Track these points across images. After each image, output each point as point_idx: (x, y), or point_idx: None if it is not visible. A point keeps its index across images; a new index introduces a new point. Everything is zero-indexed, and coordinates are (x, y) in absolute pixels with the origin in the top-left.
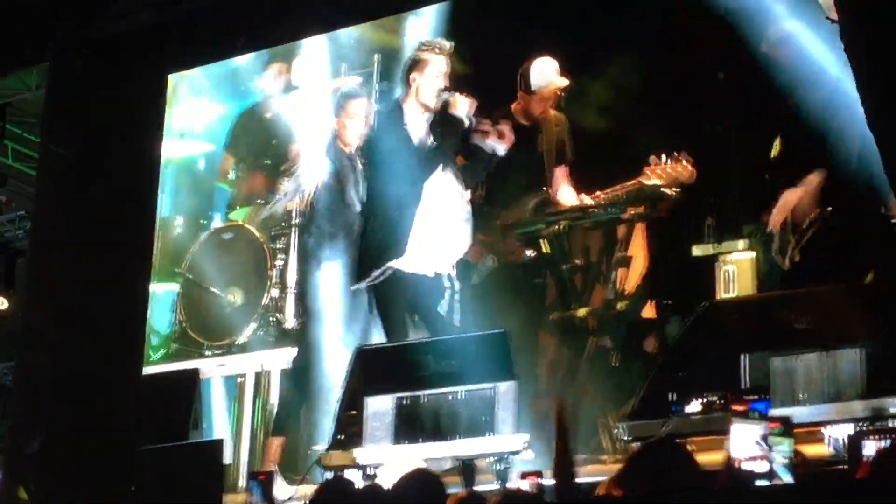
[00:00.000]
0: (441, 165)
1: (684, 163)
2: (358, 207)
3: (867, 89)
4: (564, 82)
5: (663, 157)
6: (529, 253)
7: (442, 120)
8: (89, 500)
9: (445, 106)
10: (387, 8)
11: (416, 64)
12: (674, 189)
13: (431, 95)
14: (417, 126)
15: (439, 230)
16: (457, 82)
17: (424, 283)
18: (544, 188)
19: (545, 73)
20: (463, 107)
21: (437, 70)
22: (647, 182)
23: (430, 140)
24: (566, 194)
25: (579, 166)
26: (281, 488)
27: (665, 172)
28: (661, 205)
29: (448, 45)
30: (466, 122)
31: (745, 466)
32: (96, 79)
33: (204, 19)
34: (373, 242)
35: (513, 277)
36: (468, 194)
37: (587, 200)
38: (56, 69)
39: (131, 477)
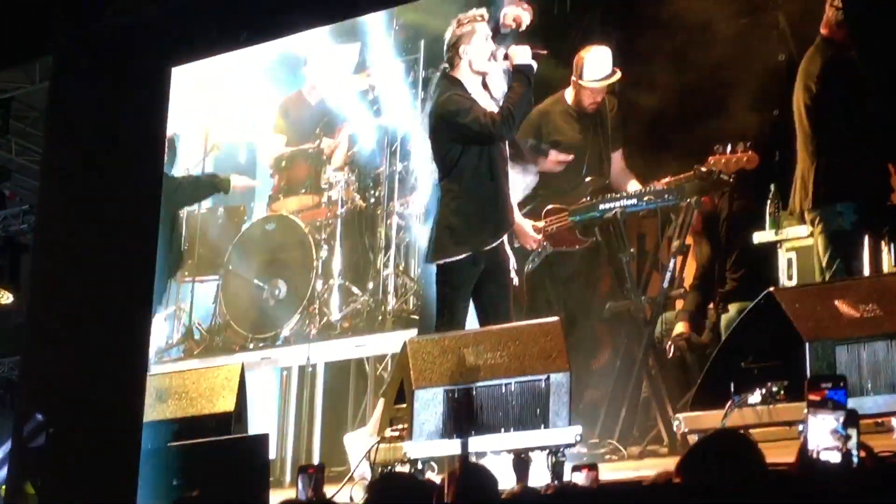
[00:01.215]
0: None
1: (749, 152)
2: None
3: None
4: (617, 75)
5: (729, 146)
6: (584, 240)
7: (512, 74)
8: (96, 496)
9: (507, 59)
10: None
11: (461, 38)
12: (732, 175)
13: (484, 61)
14: (478, 93)
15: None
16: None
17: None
18: (601, 175)
19: (600, 64)
20: (524, 54)
21: (483, 36)
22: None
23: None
24: (624, 180)
25: (640, 152)
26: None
27: (730, 161)
28: (719, 191)
29: (485, 11)
30: (534, 65)
31: (822, 457)
32: (100, 72)
33: (207, 12)
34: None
35: (567, 265)
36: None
37: (647, 187)
38: (59, 63)
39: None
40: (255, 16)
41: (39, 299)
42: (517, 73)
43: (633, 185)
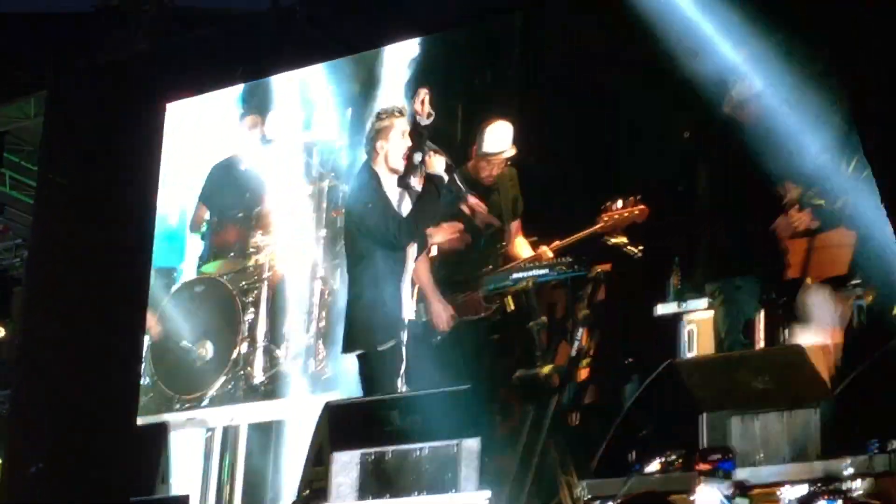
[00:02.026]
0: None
1: (639, 206)
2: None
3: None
4: (513, 152)
5: (620, 201)
6: (489, 307)
7: (424, 181)
8: None
9: (421, 166)
10: (378, 40)
11: (379, 133)
12: (639, 248)
13: (399, 159)
14: (392, 189)
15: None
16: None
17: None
18: (501, 244)
19: (499, 138)
20: (440, 164)
21: (400, 132)
22: (605, 233)
23: (406, 203)
24: (522, 248)
25: (534, 217)
26: None
27: (620, 215)
28: (626, 263)
29: (405, 105)
30: (445, 178)
31: None
32: (95, 108)
33: (202, 49)
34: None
35: (475, 334)
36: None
37: (546, 252)
38: (54, 98)
39: None
40: (251, 52)
41: (31, 333)
42: (428, 182)
43: (532, 251)
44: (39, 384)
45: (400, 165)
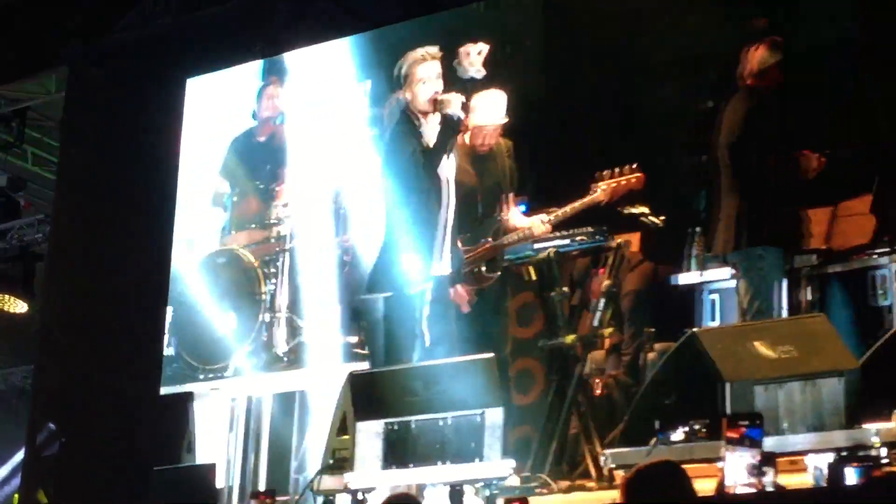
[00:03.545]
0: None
1: (636, 173)
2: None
3: None
4: (505, 120)
5: (616, 168)
6: (490, 277)
7: (442, 121)
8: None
9: (441, 107)
10: (398, 14)
11: (407, 76)
12: (660, 218)
13: (426, 101)
14: (425, 127)
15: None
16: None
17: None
18: (499, 215)
19: (493, 107)
20: (455, 104)
21: (429, 75)
22: (601, 199)
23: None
24: (518, 218)
25: (530, 188)
26: None
27: (619, 185)
28: (647, 233)
29: (436, 49)
30: (462, 117)
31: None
32: (115, 83)
33: (222, 25)
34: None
35: (493, 303)
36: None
37: (542, 220)
38: (75, 74)
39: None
40: (270, 28)
41: (53, 309)
42: (445, 120)
43: (529, 221)
44: (62, 359)
45: (426, 107)
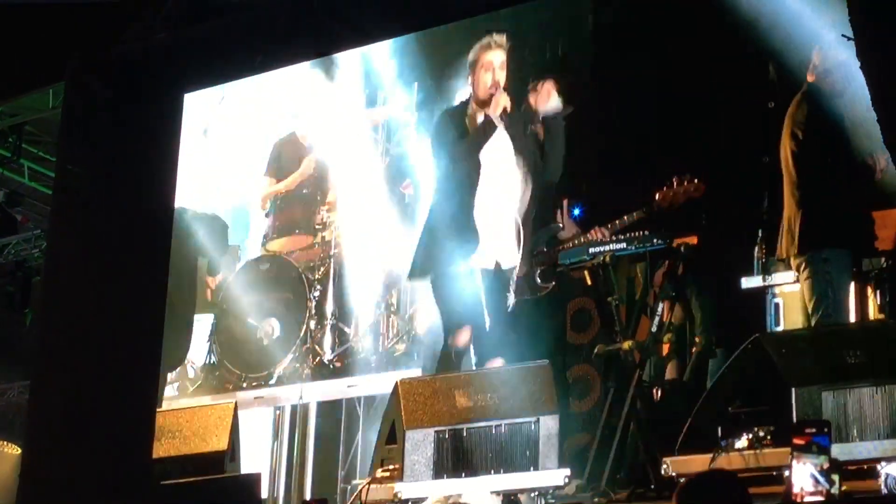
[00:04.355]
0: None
1: (695, 182)
2: None
3: (882, 105)
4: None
5: (675, 180)
6: (545, 287)
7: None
8: None
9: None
10: (399, 28)
11: (472, 63)
12: (720, 222)
13: (486, 90)
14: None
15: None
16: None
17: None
18: (554, 223)
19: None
20: (500, 106)
21: (491, 65)
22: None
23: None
24: (574, 228)
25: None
26: None
27: (678, 193)
28: (708, 236)
29: (503, 38)
30: (501, 124)
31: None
32: (113, 98)
33: (221, 38)
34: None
35: (545, 309)
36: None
37: (598, 233)
38: (72, 89)
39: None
40: (269, 41)
41: (50, 323)
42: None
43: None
44: (59, 374)
45: (485, 95)
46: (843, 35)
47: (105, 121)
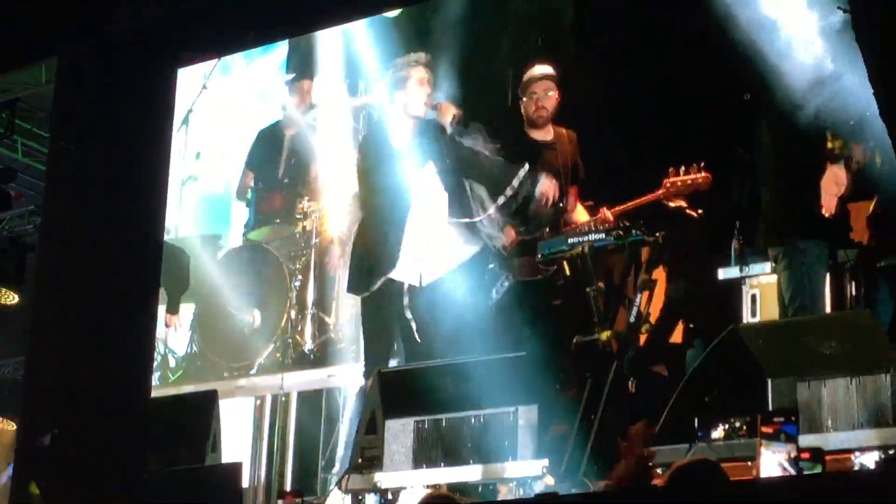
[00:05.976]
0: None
1: (702, 173)
2: None
3: (879, 81)
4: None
5: (682, 168)
6: (546, 269)
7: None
8: (100, 498)
9: (433, 110)
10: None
11: (398, 81)
12: (699, 212)
13: (419, 106)
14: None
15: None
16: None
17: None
18: (560, 206)
19: (538, 70)
20: (448, 115)
21: (417, 81)
22: (666, 199)
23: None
24: (581, 214)
25: (594, 182)
26: None
27: (683, 182)
28: (686, 227)
29: (424, 55)
30: (449, 130)
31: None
32: (106, 73)
33: (214, 13)
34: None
35: (530, 298)
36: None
37: (607, 214)
38: (65, 64)
39: (140, 487)
40: (263, 16)
41: (44, 300)
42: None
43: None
44: (54, 350)
45: (418, 111)
46: (839, 7)
47: (98, 96)
